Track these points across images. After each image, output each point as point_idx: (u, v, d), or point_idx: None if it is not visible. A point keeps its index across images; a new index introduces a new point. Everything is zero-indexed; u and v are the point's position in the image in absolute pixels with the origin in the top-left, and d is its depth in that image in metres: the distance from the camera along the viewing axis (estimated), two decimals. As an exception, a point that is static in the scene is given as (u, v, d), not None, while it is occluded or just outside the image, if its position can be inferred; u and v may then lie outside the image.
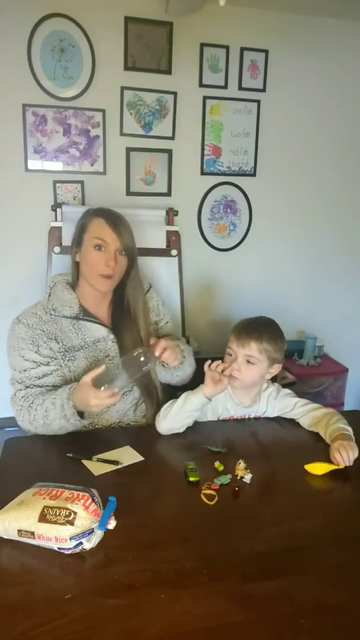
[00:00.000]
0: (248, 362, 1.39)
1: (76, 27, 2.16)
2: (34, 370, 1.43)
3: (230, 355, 1.41)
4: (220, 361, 1.38)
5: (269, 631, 0.81)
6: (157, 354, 1.36)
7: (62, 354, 1.45)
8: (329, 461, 1.25)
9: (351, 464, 1.23)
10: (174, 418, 1.35)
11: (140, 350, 1.30)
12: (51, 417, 1.35)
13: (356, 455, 1.24)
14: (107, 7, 2.19)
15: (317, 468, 1.23)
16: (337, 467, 1.23)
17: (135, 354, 1.29)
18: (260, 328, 1.41)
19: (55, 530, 0.92)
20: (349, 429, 1.34)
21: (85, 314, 1.50)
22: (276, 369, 1.45)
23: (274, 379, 1.58)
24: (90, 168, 2.33)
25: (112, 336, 1.52)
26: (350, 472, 1.23)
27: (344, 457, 1.23)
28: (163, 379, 1.59)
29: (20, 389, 1.43)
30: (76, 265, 1.53)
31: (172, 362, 1.44)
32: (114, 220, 1.48)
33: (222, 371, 1.36)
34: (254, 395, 1.48)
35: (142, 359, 1.28)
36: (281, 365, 1.47)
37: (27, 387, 1.43)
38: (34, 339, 1.43)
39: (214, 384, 1.34)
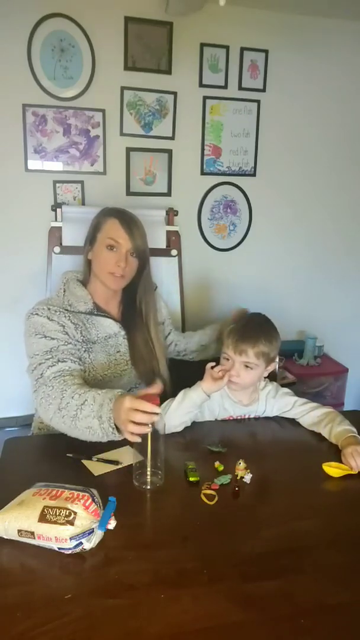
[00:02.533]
0: (246, 366, 1.39)
1: (76, 27, 2.17)
2: (65, 347, 1.37)
3: (228, 360, 1.41)
4: (220, 366, 1.38)
5: (269, 631, 0.80)
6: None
7: (81, 343, 1.44)
8: (343, 463, 1.25)
9: None
10: (172, 415, 1.35)
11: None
12: (86, 411, 1.21)
13: None
14: (107, 7, 2.19)
15: (334, 470, 1.23)
16: (351, 472, 1.23)
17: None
18: (256, 333, 1.40)
19: (55, 530, 0.92)
20: (354, 429, 1.34)
21: (98, 310, 1.51)
22: (273, 365, 1.47)
23: (273, 379, 1.58)
24: (90, 168, 2.33)
25: (123, 332, 1.54)
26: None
27: (358, 463, 1.23)
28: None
29: (52, 365, 1.31)
30: (88, 263, 1.55)
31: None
32: (128, 221, 1.50)
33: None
34: (251, 392, 1.49)
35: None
36: (277, 361, 1.49)
37: (59, 361, 1.33)
38: (59, 322, 1.40)
39: (213, 380, 1.35)
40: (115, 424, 1.17)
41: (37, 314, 1.41)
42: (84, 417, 1.21)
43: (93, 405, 1.21)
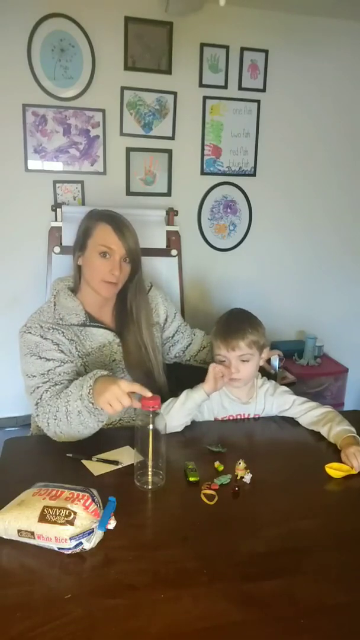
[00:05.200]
0: (242, 360, 1.40)
1: (76, 27, 2.17)
2: (61, 368, 1.36)
3: (224, 361, 1.41)
4: (222, 366, 1.39)
5: (269, 631, 0.80)
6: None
7: (77, 358, 1.42)
8: (343, 463, 1.25)
9: None
10: (174, 416, 1.35)
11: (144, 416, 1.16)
12: (72, 402, 1.25)
13: None
14: (107, 7, 2.19)
15: (336, 472, 1.22)
16: (353, 472, 1.23)
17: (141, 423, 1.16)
18: (240, 324, 1.42)
19: (55, 530, 0.92)
20: (353, 429, 1.34)
21: (90, 320, 1.48)
22: (266, 352, 1.49)
23: (273, 379, 1.59)
24: (90, 168, 2.33)
25: (117, 340, 1.51)
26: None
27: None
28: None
29: (48, 389, 1.32)
30: (78, 269, 1.51)
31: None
32: (121, 227, 1.46)
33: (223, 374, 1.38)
34: (249, 388, 1.49)
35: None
36: (268, 347, 1.50)
37: (55, 384, 1.34)
38: (53, 340, 1.38)
39: (215, 381, 1.36)
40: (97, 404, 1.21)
41: (30, 333, 1.39)
42: (73, 408, 1.25)
43: (75, 390, 1.26)
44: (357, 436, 1.31)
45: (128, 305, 1.54)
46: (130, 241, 1.46)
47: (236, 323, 1.43)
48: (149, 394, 1.16)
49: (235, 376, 1.40)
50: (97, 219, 1.48)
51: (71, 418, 1.26)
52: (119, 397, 1.16)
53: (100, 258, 1.44)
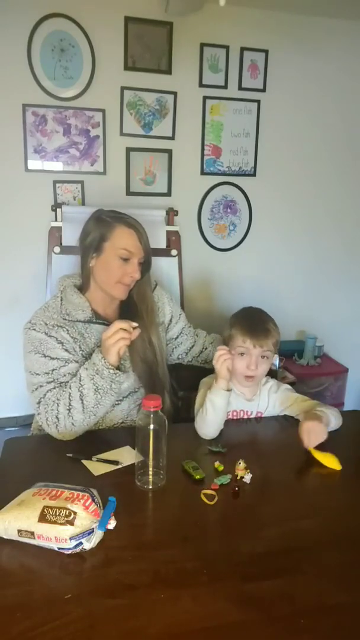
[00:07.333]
0: (262, 357, 1.42)
1: (76, 27, 2.17)
2: (65, 368, 1.37)
3: (243, 354, 1.42)
4: (224, 348, 1.36)
5: (269, 631, 0.80)
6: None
7: (81, 358, 1.42)
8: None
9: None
10: (214, 424, 1.34)
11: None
12: (86, 386, 1.30)
13: (321, 440, 1.27)
14: (107, 7, 2.19)
15: (322, 457, 1.24)
16: (331, 467, 1.24)
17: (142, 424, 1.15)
18: (266, 322, 1.45)
19: (55, 530, 0.92)
20: (332, 413, 1.37)
21: (97, 318, 1.48)
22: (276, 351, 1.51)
23: (274, 377, 1.59)
24: (90, 168, 2.33)
25: None
26: (350, 472, 1.24)
27: (311, 441, 1.26)
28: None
29: (51, 389, 1.34)
30: (88, 271, 1.50)
31: None
32: (139, 229, 1.47)
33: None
34: (254, 385, 1.49)
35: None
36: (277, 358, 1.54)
37: (60, 384, 1.35)
38: (57, 338, 1.38)
39: (226, 372, 1.34)
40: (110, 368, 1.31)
41: (34, 329, 1.39)
42: (88, 387, 1.31)
43: (87, 372, 1.32)
44: (325, 414, 1.33)
45: (134, 301, 1.55)
46: (147, 243, 1.48)
47: (261, 320, 1.46)
48: (134, 324, 1.31)
49: (251, 373, 1.41)
50: (112, 222, 1.47)
51: (87, 401, 1.30)
52: (115, 333, 1.28)
53: (119, 261, 1.44)
